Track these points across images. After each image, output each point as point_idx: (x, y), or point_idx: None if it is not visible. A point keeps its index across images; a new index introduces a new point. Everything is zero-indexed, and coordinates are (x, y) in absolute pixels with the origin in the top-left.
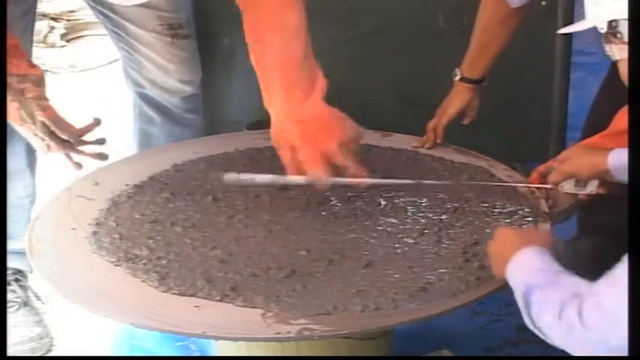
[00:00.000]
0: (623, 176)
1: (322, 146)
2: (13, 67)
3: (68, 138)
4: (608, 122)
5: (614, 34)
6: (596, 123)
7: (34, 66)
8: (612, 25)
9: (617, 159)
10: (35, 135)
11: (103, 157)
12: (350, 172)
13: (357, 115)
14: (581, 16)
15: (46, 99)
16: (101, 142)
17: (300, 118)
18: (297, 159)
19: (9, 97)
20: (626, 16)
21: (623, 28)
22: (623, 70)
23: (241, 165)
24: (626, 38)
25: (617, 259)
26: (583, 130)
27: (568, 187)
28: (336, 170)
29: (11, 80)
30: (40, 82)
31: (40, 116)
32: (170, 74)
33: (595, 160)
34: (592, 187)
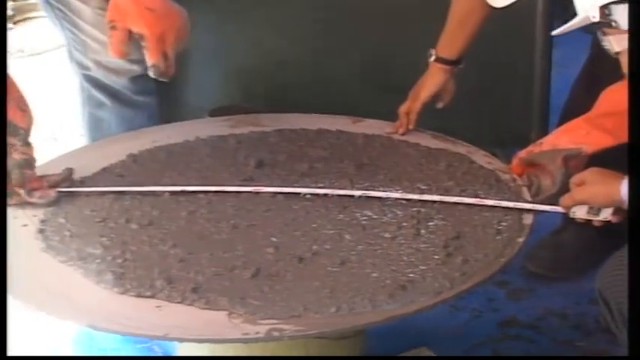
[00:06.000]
0: None
1: (164, 38)
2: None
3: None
4: (588, 105)
5: (609, 24)
6: (576, 106)
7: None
8: (605, 12)
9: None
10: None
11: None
12: (169, 63)
13: (324, 99)
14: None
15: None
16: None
17: (148, 5)
18: (120, 40)
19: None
20: None
21: (618, 15)
22: (625, 61)
23: (204, 154)
24: (622, 26)
25: (602, 249)
26: (562, 113)
27: (581, 212)
28: None
29: None
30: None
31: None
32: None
33: (609, 189)
34: (606, 214)
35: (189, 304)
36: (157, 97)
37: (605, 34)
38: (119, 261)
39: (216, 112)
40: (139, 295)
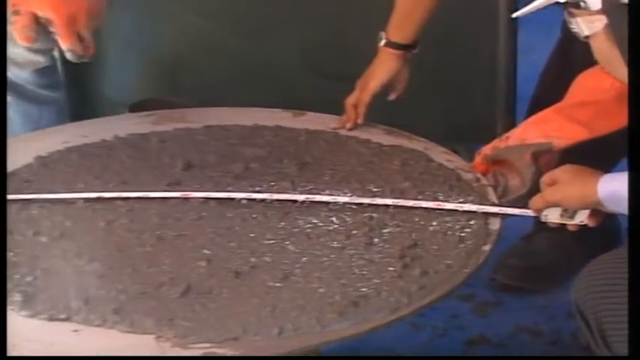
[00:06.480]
0: (616, 207)
1: (74, 19)
2: None
3: None
4: (559, 94)
5: (577, 4)
6: (546, 95)
7: None
8: None
9: (608, 188)
10: None
11: None
12: (87, 44)
13: (260, 91)
14: None
15: None
16: None
17: None
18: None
19: None
20: None
21: None
22: (598, 46)
23: (124, 155)
24: (592, 7)
25: (579, 256)
26: (531, 102)
27: (553, 215)
28: None
29: None
30: None
31: None
32: (16, 41)
33: (584, 190)
34: (582, 217)
35: (111, 327)
36: (66, 91)
37: (572, 15)
38: (28, 279)
39: (136, 107)
40: (51, 319)
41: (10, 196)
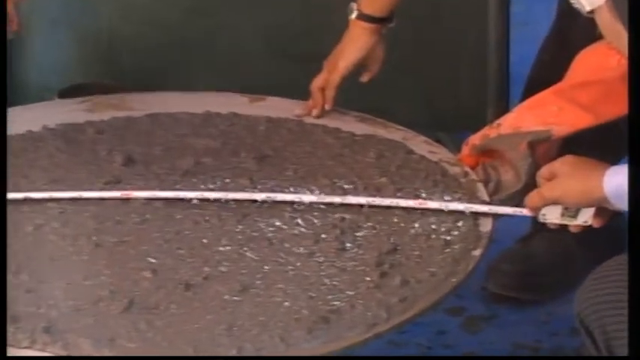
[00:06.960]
0: (624, 204)
1: None
2: None
3: None
4: (559, 74)
5: None
6: (544, 75)
7: None
8: None
9: (615, 183)
10: None
11: None
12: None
13: (212, 72)
14: None
15: None
16: None
17: None
18: None
19: None
20: None
21: None
22: (603, 21)
23: (53, 148)
24: None
25: (582, 262)
26: (526, 84)
27: (553, 215)
28: None
29: None
30: None
31: None
32: None
33: (588, 185)
34: (585, 217)
35: (41, 349)
36: None
37: None
38: None
39: (67, 93)
40: None
41: None
